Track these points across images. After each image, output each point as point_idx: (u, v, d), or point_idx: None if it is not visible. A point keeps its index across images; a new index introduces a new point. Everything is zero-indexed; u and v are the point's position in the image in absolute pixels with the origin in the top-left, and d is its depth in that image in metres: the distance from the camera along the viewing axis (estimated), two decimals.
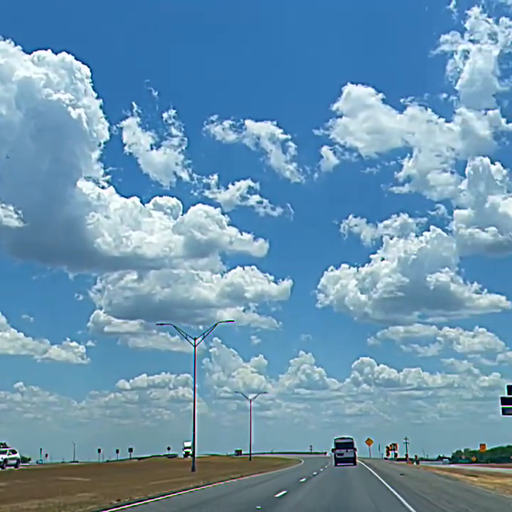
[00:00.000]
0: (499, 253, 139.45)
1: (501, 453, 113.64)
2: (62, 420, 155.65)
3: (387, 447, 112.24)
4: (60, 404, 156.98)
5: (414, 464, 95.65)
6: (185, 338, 49.48)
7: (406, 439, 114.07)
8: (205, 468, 56.28)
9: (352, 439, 60.48)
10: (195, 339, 49.30)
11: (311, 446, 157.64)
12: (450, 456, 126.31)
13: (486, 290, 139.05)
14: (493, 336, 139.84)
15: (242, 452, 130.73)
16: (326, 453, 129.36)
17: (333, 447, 61.68)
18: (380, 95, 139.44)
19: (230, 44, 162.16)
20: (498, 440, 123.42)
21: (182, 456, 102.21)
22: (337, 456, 58.96)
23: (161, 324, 61.27)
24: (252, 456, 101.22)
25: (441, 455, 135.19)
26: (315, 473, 38.13)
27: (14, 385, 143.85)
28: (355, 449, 60.22)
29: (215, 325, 51.11)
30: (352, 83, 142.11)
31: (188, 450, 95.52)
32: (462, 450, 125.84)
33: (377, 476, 32.18)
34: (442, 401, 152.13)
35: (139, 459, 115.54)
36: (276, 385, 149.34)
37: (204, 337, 49.84)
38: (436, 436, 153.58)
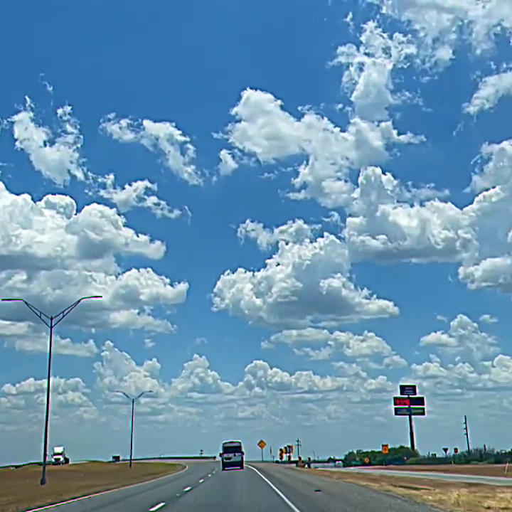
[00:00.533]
0: (388, 260, 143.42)
1: (394, 454, 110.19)
2: None
3: (281, 450, 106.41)
4: None
5: (306, 466, 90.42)
6: (40, 317, 42.20)
7: (298, 441, 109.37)
8: (65, 479, 47.40)
9: (240, 442, 60.16)
10: (52, 319, 42.41)
11: (201, 451, 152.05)
12: (343, 458, 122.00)
13: (375, 296, 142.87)
14: (381, 340, 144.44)
15: (122, 458, 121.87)
16: (215, 457, 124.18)
17: (220, 451, 60.81)
18: (279, 102, 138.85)
19: (131, 43, 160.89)
20: (387, 441, 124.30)
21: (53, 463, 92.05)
22: (225, 460, 58.65)
23: (8, 300, 51.83)
24: (133, 462, 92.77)
25: (332, 457, 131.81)
26: (187, 489, 29.23)
27: None
28: (242, 453, 59.62)
29: (79, 301, 44.40)
30: (251, 88, 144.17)
31: (58, 457, 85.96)
32: (355, 452, 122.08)
33: (283, 496, 20.76)
34: (331, 403, 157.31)
35: (16, 466, 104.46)
36: (169, 389, 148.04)
37: (64, 316, 42.87)
38: (325, 438, 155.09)
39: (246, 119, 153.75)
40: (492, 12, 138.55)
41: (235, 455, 58.25)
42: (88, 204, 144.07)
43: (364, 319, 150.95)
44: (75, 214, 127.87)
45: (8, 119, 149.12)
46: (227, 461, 58.28)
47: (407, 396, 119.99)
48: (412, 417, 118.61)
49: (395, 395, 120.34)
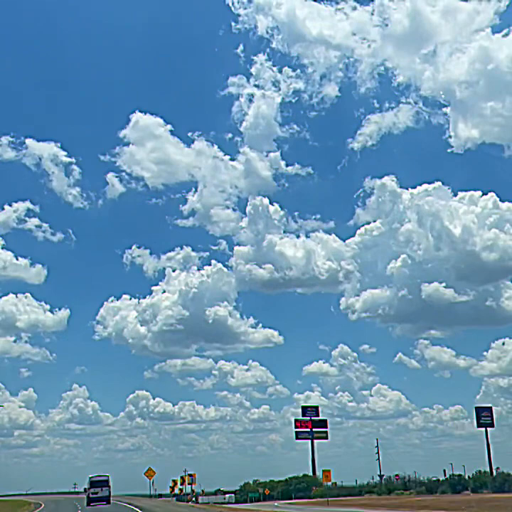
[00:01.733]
0: (274, 289, 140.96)
1: (297, 483, 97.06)
2: None
3: (175, 481, 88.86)
4: None
5: (194, 501, 75.53)
6: None
7: (185, 471, 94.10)
8: None
9: (108, 476, 58.75)
10: None
11: (75, 484, 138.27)
12: (237, 489, 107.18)
13: (260, 325, 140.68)
14: (265, 369, 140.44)
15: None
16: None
17: (86, 486, 58.67)
18: (169, 126, 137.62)
19: (14, 58, 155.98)
20: (281, 469, 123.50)
21: None
22: (91, 495, 56.91)
23: None
24: None
25: (221, 489, 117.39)
26: None
27: None
28: (109, 487, 58.15)
29: None
30: (141, 111, 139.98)
31: None
32: (251, 482, 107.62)
33: None
34: (214, 434, 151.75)
35: None
36: (46, 420, 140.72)
37: None
38: (210, 470, 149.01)
39: (134, 143, 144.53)
40: (376, 52, 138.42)
41: (102, 490, 56.60)
42: None
43: (249, 348, 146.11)
44: None
45: None
46: (94, 495, 56.64)
47: (309, 418, 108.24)
48: (314, 442, 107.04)
49: (297, 417, 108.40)
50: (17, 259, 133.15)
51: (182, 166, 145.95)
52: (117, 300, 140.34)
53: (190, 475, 67.74)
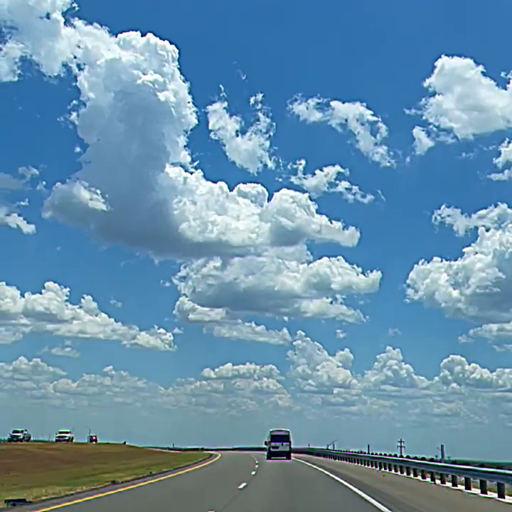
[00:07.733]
0: None
1: None
2: (150, 406, 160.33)
3: None
4: (147, 390, 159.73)
5: None
6: None
7: None
8: None
9: (288, 432, 59.39)
10: None
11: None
12: None
13: None
14: None
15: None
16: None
17: (266, 440, 59.92)
18: (480, 68, 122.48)
19: (317, 23, 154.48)
20: None
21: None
22: (272, 449, 57.66)
23: None
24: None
25: None
26: None
27: (104, 368, 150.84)
28: (290, 443, 58.52)
29: None
30: (447, 55, 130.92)
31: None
32: None
33: None
34: None
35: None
36: (362, 380, 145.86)
37: None
38: None
39: (441, 91, 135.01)
40: None
41: (282, 444, 57.18)
42: (277, 191, 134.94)
43: None
44: (267, 202, 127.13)
45: (204, 110, 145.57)
46: (275, 450, 57.06)
47: None
48: None
49: None
50: (331, 222, 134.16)
51: (496, 111, 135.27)
52: (427, 263, 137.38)
53: None
